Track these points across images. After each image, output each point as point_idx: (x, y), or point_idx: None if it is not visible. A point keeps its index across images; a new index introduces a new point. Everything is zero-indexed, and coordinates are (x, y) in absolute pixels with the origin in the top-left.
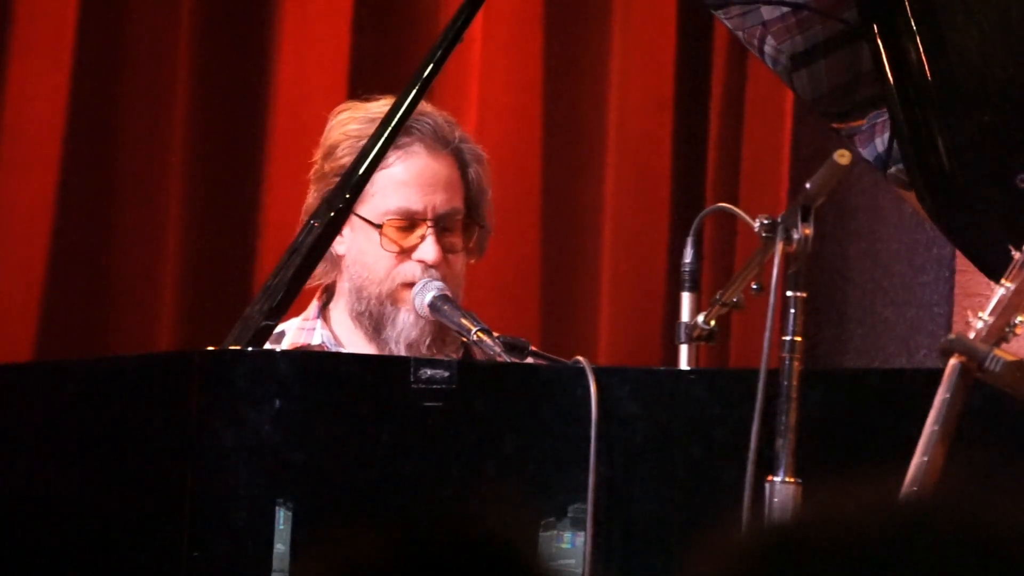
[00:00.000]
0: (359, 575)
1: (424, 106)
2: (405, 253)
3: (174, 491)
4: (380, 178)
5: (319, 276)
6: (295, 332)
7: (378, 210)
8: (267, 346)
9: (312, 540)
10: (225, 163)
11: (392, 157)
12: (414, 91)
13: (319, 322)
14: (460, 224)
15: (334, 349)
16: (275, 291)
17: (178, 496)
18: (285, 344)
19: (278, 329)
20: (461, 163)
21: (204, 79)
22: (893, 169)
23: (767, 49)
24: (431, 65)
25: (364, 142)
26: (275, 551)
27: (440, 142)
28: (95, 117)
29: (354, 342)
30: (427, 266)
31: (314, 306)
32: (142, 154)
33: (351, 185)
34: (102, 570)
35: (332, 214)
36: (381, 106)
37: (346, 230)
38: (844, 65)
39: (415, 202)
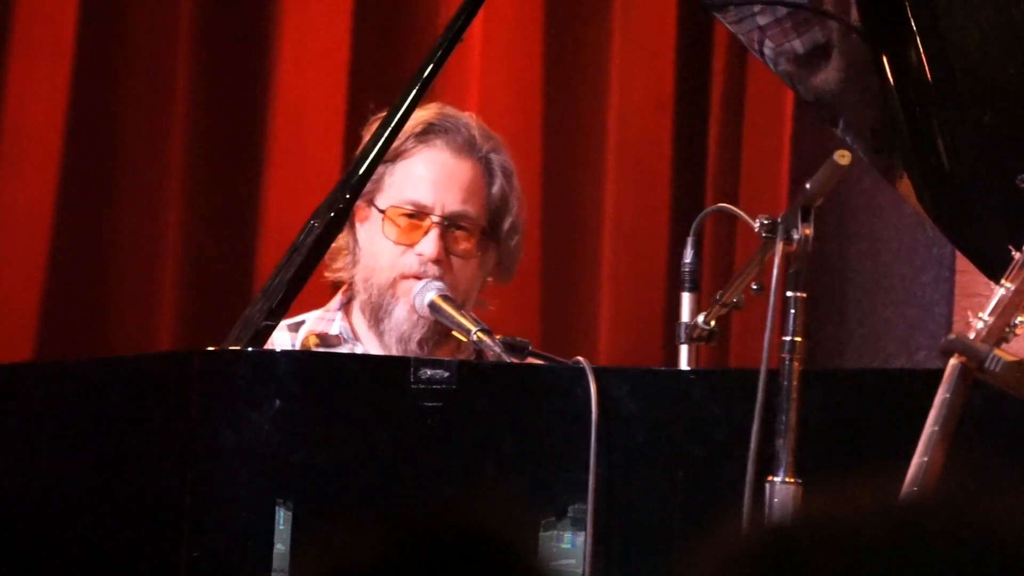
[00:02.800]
0: (359, 574)
1: (463, 114)
2: (410, 246)
3: (174, 491)
4: (399, 168)
5: (341, 269)
6: (314, 320)
7: (391, 200)
8: (286, 335)
9: (312, 540)
10: (225, 163)
11: (415, 151)
12: (414, 91)
13: (339, 314)
14: (475, 232)
15: (350, 342)
16: (275, 291)
17: (178, 496)
18: (304, 331)
19: (299, 318)
20: (488, 173)
21: (204, 79)
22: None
23: (767, 52)
24: (431, 65)
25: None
26: (275, 551)
27: (467, 146)
28: (95, 117)
29: (369, 339)
30: (425, 261)
31: (337, 299)
32: (142, 154)
33: (351, 185)
34: (102, 570)
35: (332, 214)
36: (419, 112)
37: (365, 223)
38: (847, 67)
39: (425, 196)
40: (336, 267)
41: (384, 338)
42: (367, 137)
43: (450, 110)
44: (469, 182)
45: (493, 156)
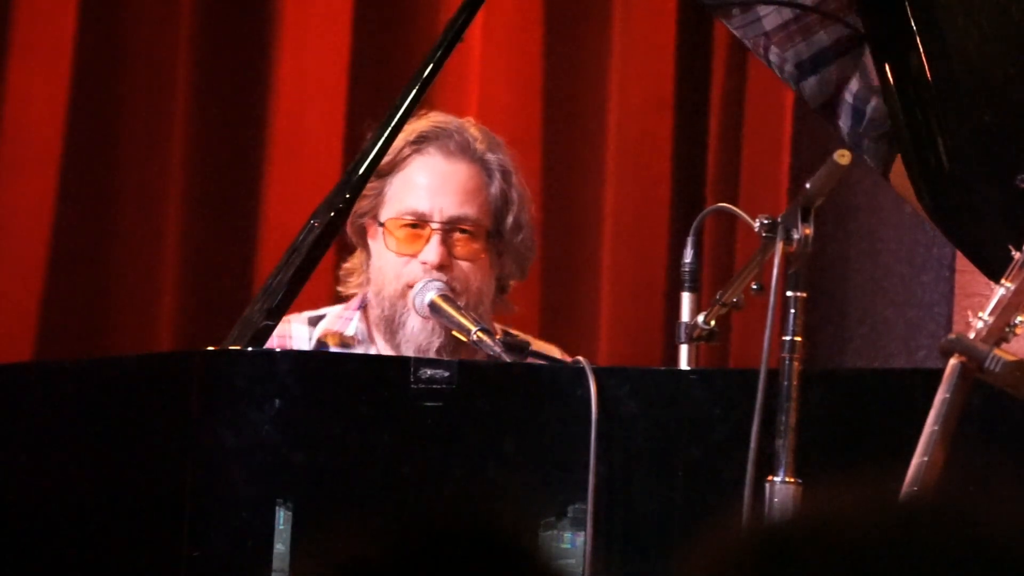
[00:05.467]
0: (363, 572)
1: (458, 119)
2: (413, 255)
3: (174, 491)
4: (396, 180)
5: (355, 286)
6: (333, 318)
7: (391, 212)
8: (304, 328)
9: (314, 539)
10: (225, 163)
11: (409, 160)
12: (414, 91)
13: (358, 314)
14: (480, 234)
15: (365, 343)
16: (275, 291)
17: (178, 496)
18: (321, 326)
19: (320, 312)
20: (486, 174)
21: (204, 79)
22: (871, 107)
23: (772, 58)
24: (431, 65)
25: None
26: (275, 551)
27: (460, 149)
28: (95, 117)
29: (383, 344)
30: (429, 268)
31: (357, 299)
32: (142, 154)
33: (351, 185)
34: (102, 570)
35: (332, 214)
36: (413, 123)
37: (375, 239)
38: (852, 70)
39: (423, 203)
40: (351, 284)
41: (401, 349)
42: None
43: (442, 117)
44: (466, 184)
45: (490, 156)
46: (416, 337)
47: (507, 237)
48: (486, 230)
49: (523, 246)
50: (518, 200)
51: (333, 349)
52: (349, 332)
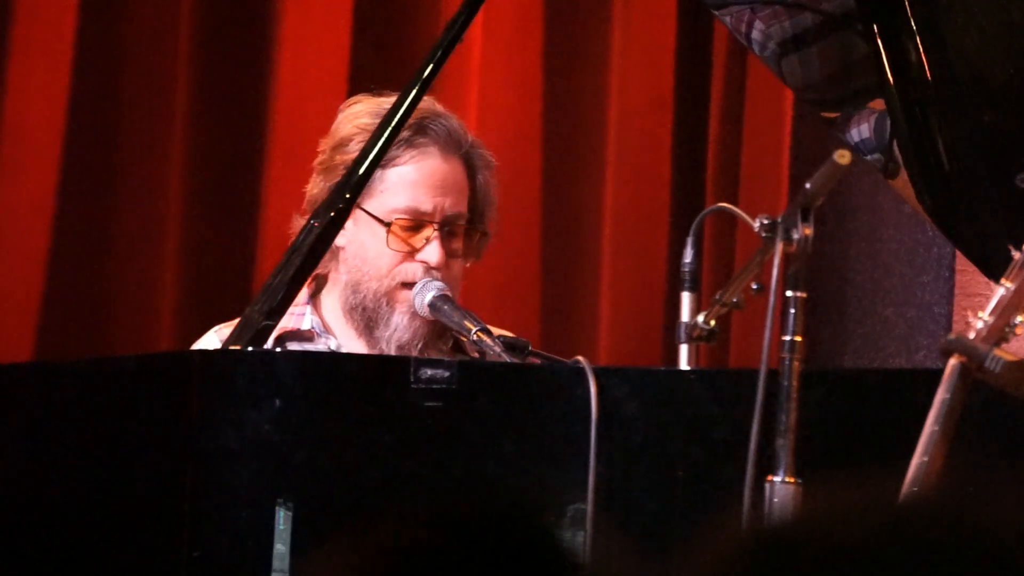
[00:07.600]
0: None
1: (439, 108)
2: (409, 254)
3: (174, 491)
4: (392, 175)
5: (322, 263)
6: (285, 317)
7: (386, 207)
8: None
9: (314, 540)
10: (225, 163)
11: (406, 156)
12: (414, 91)
13: (308, 308)
14: (463, 229)
15: (323, 336)
16: (275, 291)
17: (178, 496)
18: (275, 330)
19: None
20: (470, 168)
21: (204, 79)
22: (870, 158)
23: (755, 35)
24: (431, 65)
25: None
26: (275, 551)
27: (453, 145)
28: (95, 117)
29: (345, 333)
30: (429, 268)
31: (304, 293)
32: (142, 154)
33: (351, 185)
34: (102, 570)
35: (332, 214)
36: (391, 101)
37: (349, 222)
38: (836, 52)
39: (424, 203)
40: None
41: (380, 345)
42: (346, 126)
43: (428, 105)
44: (458, 182)
45: (473, 151)
46: (400, 336)
47: (486, 228)
48: (467, 225)
49: (491, 233)
50: (494, 192)
51: (293, 346)
52: (305, 327)
